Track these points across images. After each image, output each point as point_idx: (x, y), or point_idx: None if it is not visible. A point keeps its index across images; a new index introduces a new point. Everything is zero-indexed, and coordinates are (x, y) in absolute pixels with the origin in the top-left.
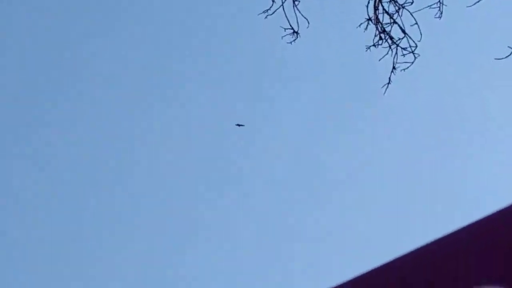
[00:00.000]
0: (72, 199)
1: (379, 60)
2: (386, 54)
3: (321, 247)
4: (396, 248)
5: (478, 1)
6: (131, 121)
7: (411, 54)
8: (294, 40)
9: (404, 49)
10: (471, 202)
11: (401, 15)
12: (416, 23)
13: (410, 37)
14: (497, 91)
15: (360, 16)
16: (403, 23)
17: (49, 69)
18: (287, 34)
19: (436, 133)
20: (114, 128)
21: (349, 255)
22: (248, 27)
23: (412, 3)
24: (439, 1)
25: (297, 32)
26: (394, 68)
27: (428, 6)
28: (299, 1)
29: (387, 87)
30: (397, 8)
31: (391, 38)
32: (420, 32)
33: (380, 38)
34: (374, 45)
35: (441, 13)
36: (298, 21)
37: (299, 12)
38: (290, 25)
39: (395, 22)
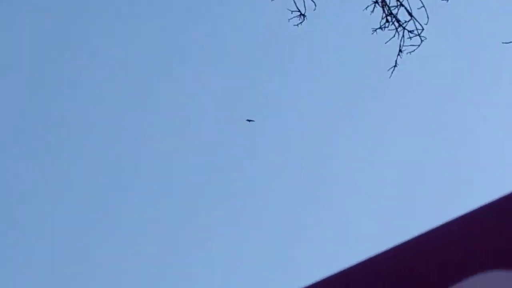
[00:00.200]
0: (73, 199)
1: (386, 43)
2: (392, 37)
3: (322, 242)
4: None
5: None
6: (131, 121)
7: (418, 37)
8: (301, 23)
9: (411, 32)
10: (483, 190)
11: None
12: (423, 6)
13: (416, 20)
14: (505, 75)
15: None
16: (410, 6)
17: (49, 69)
18: (294, 17)
19: (443, 118)
20: (114, 129)
21: (349, 250)
22: (255, 10)
23: None
24: None
25: (304, 15)
26: (400, 51)
27: None
28: None
29: (394, 70)
30: None
31: (398, 21)
32: (427, 15)
33: (387, 21)
34: (380, 27)
35: None
36: (305, 3)
37: None
38: (297, 8)
39: (401, 4)
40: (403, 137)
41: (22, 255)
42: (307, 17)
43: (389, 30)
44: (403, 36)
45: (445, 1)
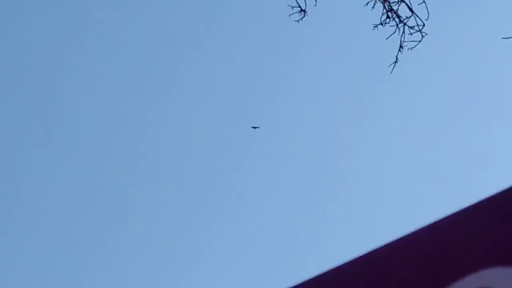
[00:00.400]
0: (73, 200)
1: (386, 39)
2: (393, 33)
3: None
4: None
5: None
6: (131, 121)
7: (419, 33)
8: (301, 19)
9: (412, 27)
10: (485, 184)
11: None
12: (424, 2)
13: (417, 16)
14: (505, 70)
15: None
16: (411, 2)
17: (50, 69)
18: (294, 13)
19: (443, 112)
20: (115, 129)
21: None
22: (256, 6)
23: None
24: None
25: (304, 11)
26: (401, 47)
27: None
28: None
29: (394, 66)
30: None
31: (399, 16)
32: (428, 11)
33: (388, 17)
34: (381, 23)
35: None
36: None
37: None
38: (298, 4)
39: (402, 0)
40: (403, 131)
41: (21, 255)
42: (307, 13)
43: (390, 26)
44: (403, 32)
45: None
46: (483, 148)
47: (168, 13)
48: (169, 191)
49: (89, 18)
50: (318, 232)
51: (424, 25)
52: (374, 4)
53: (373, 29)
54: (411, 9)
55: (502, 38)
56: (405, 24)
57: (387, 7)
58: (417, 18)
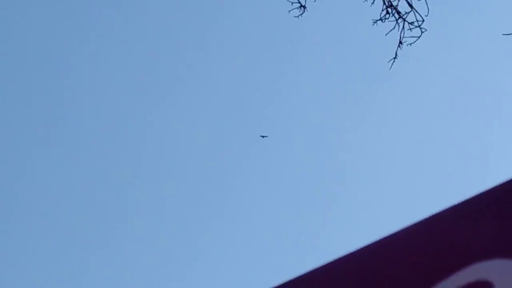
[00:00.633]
0: (73, 200)
1: (386, 35)
2: (393, 29)
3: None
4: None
5: None
6: (131, 121)
7: (418, 28)
8: (301, 14)
9: (411, 23)
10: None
11: None
12: None
13: (417, 12)
14: (505, 66)
15: None
16: None
17: (50, 69)
18: (294, 8)
19: (443, 108)
20: (115, 129)
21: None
22: (255, 4)
23: None
24: None
25: (304, 6)
26: (401, 42)
27: None
28: None
29: (394, 61)
30: None
31: (398, 12)
32: (427, 7)
33: (387, 13)
34: (381, 19)
35: None
36: None
37: None
38: None
39: None
40: (402, 127)
41: (21, 255)
42: (307, 8)
43: (390, 21)
44: (403, 27)
45: None
46: (482, 145)
47: (168, 13)
48: (169, 191)
49: (89, 18)
50: (318, 232)
51: (423, 21)
52: None
53: (373, 24)
54: (410, 5)
55: (503, 34)
56: (404, 20)
57: (386, 3)
58: (416, 14)
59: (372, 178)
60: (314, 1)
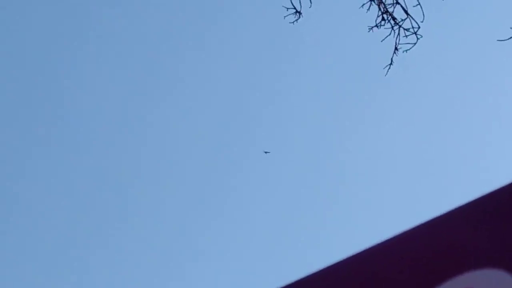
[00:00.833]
0: (73, 200)
1: (382, 41)
2: (388, 35)
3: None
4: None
5: None
6: (131, 121)
7: (414, 35)
8: (296, 20)
9: (407, 30)
10: (474, 190)
11: None
12: (419, 4)
13: (412, 18)
14: (500, 72)
15: None
16: (406, 4)
17: (50, 69)
18: (289, 14)
19: (439, 114)
20: (115, 129)
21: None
22: (251, 7)
23: None
24: None
25: (299, 12)
26: (396, 49)
27: None
28: None
29: (389, 68)
30: None
31: (394, 18)
32: (423, 13)
33: (383, 19)
34: (376, 25)
35: None
36: (301, 1)
37: None
38: (293, 5)
39: (397, 2)
40: (398, 134)
41: (21, 255)
42: (302, 14)
43: (385, 28)
44: (399, 34)
45: (441, 0)
46: (477, 151)
47: (168, 13)
48: (169, 191)
49: (89, 18)
50: (317, 233)
51: (419, 27)
52: (370, 6)
53: (369, 31)
54: (406, 12)
55: (498, 40)
56: (400, 26)
57: (382, 9)
58: (412, 21)
59: (370, 182)
60: (310, 7)
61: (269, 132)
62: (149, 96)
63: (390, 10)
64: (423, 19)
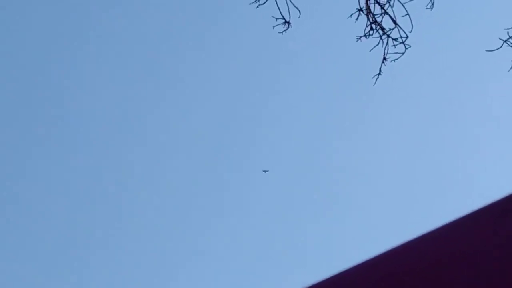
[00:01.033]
0: (72, 200)
1: (370, 51)
2: (377, 45)
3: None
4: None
5: None
6: (131, 121)
7: (402, 45)
8: (285, 30)
9: (395, 39)
10: (464, 197)
11: (392, 6)
12: (407, 14)
13: (401, 28)
14: (488, 83)
15: (351, 6)
16: (395, 14)
17: (48, 68)
18: (278, 24)
19: (426, 125)
20: (115, 129)
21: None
22: (240, 17)
23: None
24: None
25: (288, 22)
26: (385, 58)
27: None
28: None
29: (378, 78)
30: None
31: (382, 28)
32: (411, 23)
33: (371, 29)
34: (365, 35)
35: (433, 4)
36: (290, 11)
37: (291, 2)
38: (282, 15)
39: (386, 12)
40: (388, 144)
41: (21, 255)
42: (291, 24)
43: (374, 38)
44: (387, 44)
45: (430, 10)
46: (464, 164)
47: (168, 13)
48: (170, 191)
49: (89, 18)
50: (317, 233)
51: (407, 37)
52: (358, 16)
53: (357, 41)
54: (394, 21)
55: (486, 50)
56: (388, 36)
57: (371, 19)
58: (400, 30)
59: (360, 194)
60: (299, 17)
61: (270, 129)
62: (148, 96)
63: (379, 20)
64: (412, 29)
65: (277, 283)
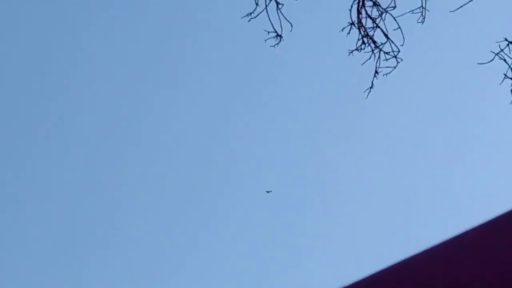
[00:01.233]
0: (72, 200)
1: (362, 65)
2: (368, 59)
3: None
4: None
5: (461, 6)
6: (131, 121)
7: (394, 58)
8: (277, 44)
9: (387, 53)
10: (459, 206)
11: (384, 20)
12: (399, 28)
13: (393, 42)
14: (480, 96)
15: (343, 20)
16: (386, 28)
17: (48, 68)
18: (270, 38)
19: (418, 138)
20: (115, 129)
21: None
22: (232, 30)
23: (395, 7)
24: (422, 6)
25: (280, 36)
26: (376, 72)
27: (411, 11)
28: (283, 5)
29: (370, 91)
30: (380, 12)
31: (374, 42)
32: (403, 37)
33: (363, 43)
34: (357, 49)
35: (424, 18)
36: (282, 24)
37: (283, 15)
38: (274, 29)
39: (378, 26)
40: (380, 157)
41: (21, 255)
42: (283, 38)
43: (365, 52)
44: (379, 57)
45: (421, 24)
46: (456, 173)
47: (168, 13)
48: (170, 191)
49: (89, 18)
50: (317, 233)
51: (399, 51)
52: (350, 29)
53: (349, 54)
54: (386, 35)
55: (478, 63)
56: (380, 49)
57: (362, 33)
58: (392, 44)
59: (350, 209)
60: (291, 31)
61: (269, 130)
62: (148, 95)
63: (371, 33)
64: (403, 42)
65: (275, 283)
